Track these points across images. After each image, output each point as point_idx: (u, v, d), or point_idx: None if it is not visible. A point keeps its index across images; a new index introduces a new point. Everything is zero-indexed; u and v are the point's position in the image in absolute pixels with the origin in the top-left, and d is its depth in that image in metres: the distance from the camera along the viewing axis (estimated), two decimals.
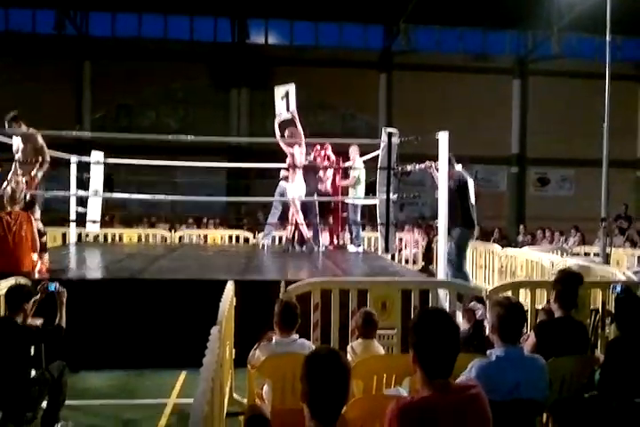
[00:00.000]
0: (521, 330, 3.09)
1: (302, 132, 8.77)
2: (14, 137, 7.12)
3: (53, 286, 4.56)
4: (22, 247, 5.94)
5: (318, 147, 10.02)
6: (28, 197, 6.59)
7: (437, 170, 6.92)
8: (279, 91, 8.87)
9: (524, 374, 2.88)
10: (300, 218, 9.15)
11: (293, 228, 9.63)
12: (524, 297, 5.26)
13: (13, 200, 5.97)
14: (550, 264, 7.34)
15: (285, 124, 8.96)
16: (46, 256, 6.71)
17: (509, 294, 4.93)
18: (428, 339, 2.19)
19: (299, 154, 8.87)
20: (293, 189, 8.96)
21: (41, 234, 6.74)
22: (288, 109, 8.73)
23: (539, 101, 20.08)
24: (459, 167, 7.61)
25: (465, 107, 19.27)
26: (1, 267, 5.85)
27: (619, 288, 4.57)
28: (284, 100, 8.75)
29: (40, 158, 6.74)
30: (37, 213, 6.88)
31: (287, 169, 9.07)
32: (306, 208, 9.48)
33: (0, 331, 4.16)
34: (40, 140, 6.83)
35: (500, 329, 2.98)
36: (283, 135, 8.87)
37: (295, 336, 3.92)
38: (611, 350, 3.68)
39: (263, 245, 9.71)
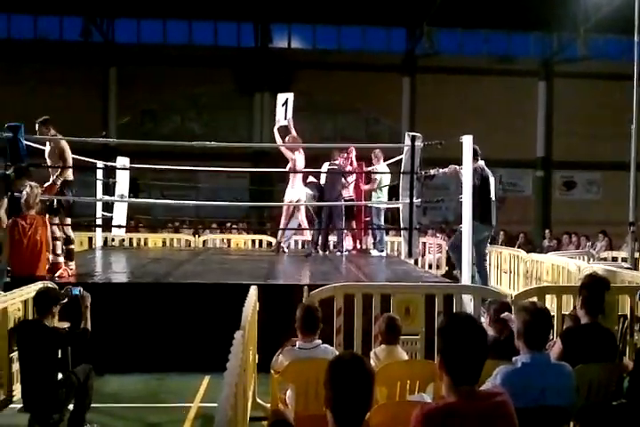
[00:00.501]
0: (547, 336, 3.05)
1: (299, 139, 9.07)
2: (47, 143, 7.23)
3: (77, 291, 4.62)
4: (37, 251, 6.06)
5: (345, 154, 10.02)
6: (55, 203, 6.70)
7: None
8: (280, 98, 9.18)
9: (550, 381, 2.84)
10: (304, 222, 9.39)
11: (316, 232, 9.69)
12: (549, 302, 5.19)
13: (28, 204, 6.10)
14: (577, 269, 7.23)
15: (285, 131, 9.21)
16: (72, 264, 6.78)
17: (535, 299, 4.87)
18: (456, 344, 2.16)
19: (300, 159, 9.06)
20: (293, 193, 9.11)
21: (69, 241, 6.86)
22: (286, 117, 9.04)
23: (564, 104, 19.84)
24: (482, 163, 7.41)
25: (489, 110, 19.12)
26: (17, 271, 5.96)
27: (638, 294, 4.50)
28: (284, 107, 9.06)
29: (61, 163, 6.83)
30: (67, 220, 6.94)
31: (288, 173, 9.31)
32: (331, 212, 9.52)
33: (30, 334, 4.24)
34: (64, 145, 6.93)
35: (526, 335, 2.94)
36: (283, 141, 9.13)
37: (318, 341, 3.92)
38: None
39: (282, 249, 9.74)
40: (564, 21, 18.29)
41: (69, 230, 6.91)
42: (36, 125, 6.88)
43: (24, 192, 6.13)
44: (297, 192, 9.12)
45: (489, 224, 7.39)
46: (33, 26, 19.61)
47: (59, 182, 6.69)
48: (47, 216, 6.47)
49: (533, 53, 20.82)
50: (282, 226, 9.41)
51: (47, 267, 6.27)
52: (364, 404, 2.07)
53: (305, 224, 9.53)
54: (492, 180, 7.50)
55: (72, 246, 6.92)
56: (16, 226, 6.02)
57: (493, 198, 7.57)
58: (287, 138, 9.10)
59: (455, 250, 7.48)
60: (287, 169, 9.24)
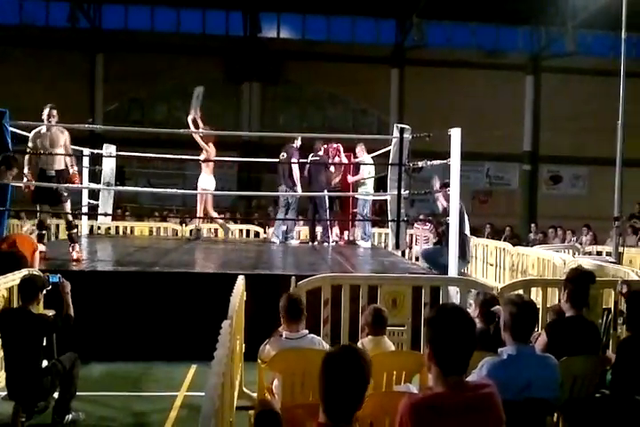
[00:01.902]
0: (533, 328, 3.07)
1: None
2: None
3: (56, 278, 4.59)
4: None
5: (335, 144, 10.04)
6: (61, 191, 6.96)
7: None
8: (197, 90, 9.54)
9: (535, 374, 2.86)
10: (211, 211, 9.90)
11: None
12: (535, 295, 5.24)
13: None
14: (562, 263, 7.30)
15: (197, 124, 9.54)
16: (77, 246, 7.13)
17: (521, 292, 4.91)
18: (445, 335, 2.17)
19: (213, 150, 9.61)
20: (205, 182, 9.64)
21: (71, 226, 7.18)
22: (196, 109, 9.42)
23: (552, 98, 19.92)
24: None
25: (477, 103, 19.15)
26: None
27: (621, 286, 4.57)
28: (198, 99, 9.45)
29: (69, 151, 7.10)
30: (67, 207, 7.16)
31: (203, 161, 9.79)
32: (316, 203, 9.54)
33: (14, 321, 4.21)
34: (36, 134, 6.96)
35: (512, 327, 2.96)
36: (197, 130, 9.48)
37: (305, 331, 3.94)
38: (622, 349, 3.66)
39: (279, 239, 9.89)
40: (552, 16, 18.34)
41: (69, 216, 7.34)
42: (47, 111, 6.87)
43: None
44: (210, 181, 9.67)
45: (464, 260, 7.50)
46: (18, 10, 19.26)
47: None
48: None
49: (521, 48, 20.85)
50: (199, 213, 9.86)
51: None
52: (356, 399, 2.06)
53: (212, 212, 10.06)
54: (466, 216, 7.56)
55: (75, 230, 7.45)
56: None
57: (468, 234, 7.78)
58: (205, 127, 9.56)
59: (427, 260, 7.90)
60: (202, 158, 9.72)
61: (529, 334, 3.03)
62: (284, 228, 10.13)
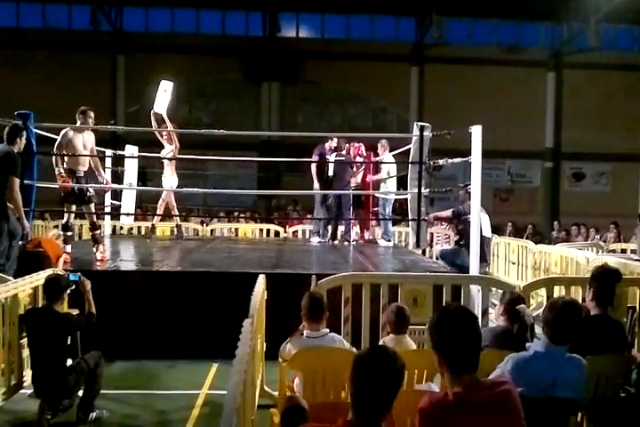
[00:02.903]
0: (572, 331, 2.95)
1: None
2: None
3: (75, 276, 4.65)
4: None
5: (356, 144, 10.04)
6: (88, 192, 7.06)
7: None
8: (164, 85, 9.22)
9: (561, 373, 2.82)
10: (174, 208, 9.77)
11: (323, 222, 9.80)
12: (557, 294, 5.17)
13: None
14: (586, 261, 7.21)
15: (160, 119, 9.28)
16: (101, 247, 7.17)
17: (543, 290, 4.86)
18: (450, 337, 2.18)
19: (174, 148, 9.38)
20: (170, 181, 9.51)
21: (95, 227, 7.22)
22: (163, 106, 9.12)
23: (574, 94, 19.67)
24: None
25: (498, 100, 18.99)
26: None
27: None
28: (166, 94, 9.13)
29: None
30: (92, 208, 7.28)
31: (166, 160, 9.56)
32: (340, 202, 9.54)
33: (40, 320, 4.28)
34: (67, 135, 7.02)
35: (549, 328, 2.91)
36: (158, 127, 9.31)
37: (326, 330, 3.93)
38: None
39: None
40: (574, 11, 18.09)
41: (94, 217, 7.40)
42: (84, 113, 7.00)
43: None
44: (174, 181, 9.54)
45: (484, 262, 7.48)
46: (41, 14, 19.56)
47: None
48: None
49: (543, 44, 20.61)
50: (158, 211, 9.73)
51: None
52: (386, 401, 2.05)
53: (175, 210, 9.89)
54: (486, 216, 7.57)
55: (98, 232, 7.43)
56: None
57: (489, 236, 7.78)
58: (170, 125, 9.27)
59: (444, 261, 7.87)
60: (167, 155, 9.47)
61: (567, 336, 2.93)
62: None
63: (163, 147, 9.56)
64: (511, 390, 2.21)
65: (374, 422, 2.04)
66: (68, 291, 4.62)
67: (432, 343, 2.26)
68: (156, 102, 9.13)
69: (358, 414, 2.04)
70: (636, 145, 18.37)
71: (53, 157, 7.00)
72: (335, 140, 9.76)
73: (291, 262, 7.69)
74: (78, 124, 7.05)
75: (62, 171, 6.90)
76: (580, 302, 4.43)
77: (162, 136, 9.43)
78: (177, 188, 9.68)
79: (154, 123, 9.29)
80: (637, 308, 4.86)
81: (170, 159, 9.46)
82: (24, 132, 6.31)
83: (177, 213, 10.15)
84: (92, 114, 7.07)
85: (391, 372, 2.06)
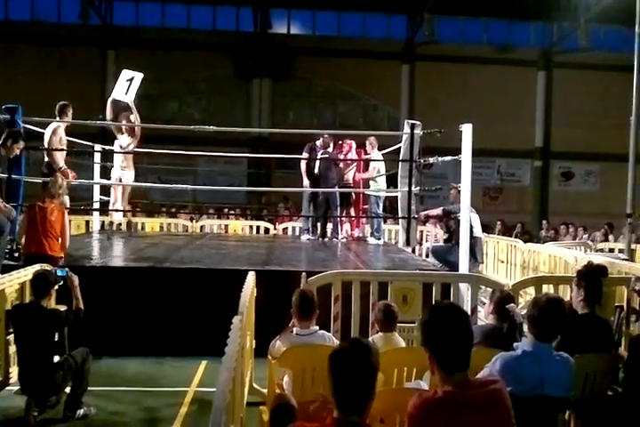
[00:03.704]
0: (557, 328, 2.98)
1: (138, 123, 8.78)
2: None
3: (63, 272, 4.62)
4: (51, 235, 5.88)
5: (349, 140, 10.03)
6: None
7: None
8: (126, 74, 8.74)
9: (549, 372, 2.83)
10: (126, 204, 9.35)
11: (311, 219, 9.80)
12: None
13: (49, 193, 5.99)
14: (574, 260, 7.25)
15: (119, 109, 8.90)
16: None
17: (532, 289, 4.88)
18: (442, 335, 2.18)
19: (134, 140, 8.87)
20: (128, 175, 9.02)
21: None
22: (127, 94, 8.62)
23: (564, 94, 19.78)
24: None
25: (489, 99, 19.05)
26: (27, 250, 5.96)
27: (634, 283, 4.52)
28: (128, 83, 8.63)
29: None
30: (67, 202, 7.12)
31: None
32: (328, 200, 9.54)
33: (27, 316, 4.25)
34: (58, 131, 6.99)
35: (535, 326, 2.93)
36: (115, 117, 8.87)
37: (315, 327, 3.93)
38: (635, 347, 3.63)
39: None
40: (564, 11, 18.20)
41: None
42: (63, 108, 6.94)
43: (50, 179, 6.14)
44: (131, 175, 9.08)
45: (476, 261, 7.61)
46: (30, 7, 19.37)
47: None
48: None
49: (533, 43, 20.72)
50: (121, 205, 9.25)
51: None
52: (365, 392, 2.06)
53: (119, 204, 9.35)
54: (475, 218, 7.65)
55: None
56: (33, 210, 5.89)
57: (480, 236, 7.91)
58: (122, 116, 8.84)
59: (437, 257, 8.01)
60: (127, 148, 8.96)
61: (552, 333, 2.96)
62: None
63: (116, 138, 9.10)
64: (501, 389, 2.22)
65: (359, 414, 2.04)
66: (56, 287, 4.58)
67: (423, 340, 2.26)
68: (115, 90, 8.67)
69: (342, 409, 2.04)
70: (624, 145, 18.45)
71: (57, 154, 6.95)
72: (325, 137, 9.76)
73: (280, 259, 7.69)
74: (65, 118, 7.01)
75: (63, 165, 6.89)
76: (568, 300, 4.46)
77: (120, 128, 8.93)
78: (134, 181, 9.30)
79: (109, 111, 8.80)
80: (624, 307, 4.90)
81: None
82: (20, 140, 6.28)
83: (126, 207, 9.64)
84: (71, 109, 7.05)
85: (365, 359, 2.07)
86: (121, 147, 8.94)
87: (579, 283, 3.83)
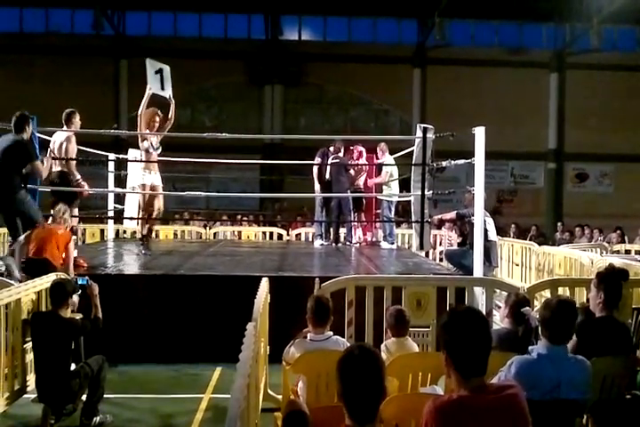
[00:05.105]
0: (570, 330, 2.98)
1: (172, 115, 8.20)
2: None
3: (84, 280, 4.65)
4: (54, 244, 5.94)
5: (360, 147, 10.06)
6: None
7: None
8: (152, 64, 8.05)
9: (565, 375, 2.81)
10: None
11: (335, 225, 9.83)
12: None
13: (54, 219, 6.09)
14: (590, 262, 7.19)
15: (157, 104, 8.26)
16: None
17: (547, 292, 4.84)
18: (461, 339, 2.16)
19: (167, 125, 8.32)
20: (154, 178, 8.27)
21: (73, 232, 6.88)
22: (163, 88, 8.09)
23: (577, 95, 19.64)
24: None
25: (501, 102, 18.99)
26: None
27: None
28: (159, 76, 8.05)
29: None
30: (75, 210, 7.13)
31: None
32: (341, 205, 9.55)
33: (44, 324, 4.27)
34: (72, 141, 7.06)
35: (547, 328, 2.91)
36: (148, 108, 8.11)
37: (329, 333, 3.92)
38: None
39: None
40: (576, 12, 18.09)
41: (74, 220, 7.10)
42: (70, 116, 7.01)
43: (57, 208, 6.18)
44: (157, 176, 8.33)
45: (490, 264, 7.56)
46: (44, 19, 19.64)
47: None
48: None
49: (545, 45, 20.60)
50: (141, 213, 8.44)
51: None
52: (374, 396, 2.06)
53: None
54: (490, 222, 7.67)
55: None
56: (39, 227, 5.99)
57: (495, 239, 7.87)
58: (150, 113, 8.16)
59: (451, 261, 8.04)
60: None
61: (565, 335, 2.95)
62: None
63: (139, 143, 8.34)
64: (518, 394, 2.19)
65: (372, 421, 2.03)
66: (75, 296, 4.61)
67: (442, 343, 2.23)
68: (149, 83, 7.87)
69: (353, 416, 2.04)
70: (638, 145, 18.33)
71: (73, 164, 7.01)
72: (337, 142, 9.79)
73: (294, 265, 7.69)
74: (72, 127, 7.06)
75: (79, 176, 6.96)
76: (583, 302, 4.42)
77: (148, 127, 8.20)
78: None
79: (143, 105, 8.01)
80: None
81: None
82: (30, 120, 6.37)
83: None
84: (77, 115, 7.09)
85: (372, 365, 2.08)
86: (147, 151, 8.30)
87: (598, 285, 3.78)
